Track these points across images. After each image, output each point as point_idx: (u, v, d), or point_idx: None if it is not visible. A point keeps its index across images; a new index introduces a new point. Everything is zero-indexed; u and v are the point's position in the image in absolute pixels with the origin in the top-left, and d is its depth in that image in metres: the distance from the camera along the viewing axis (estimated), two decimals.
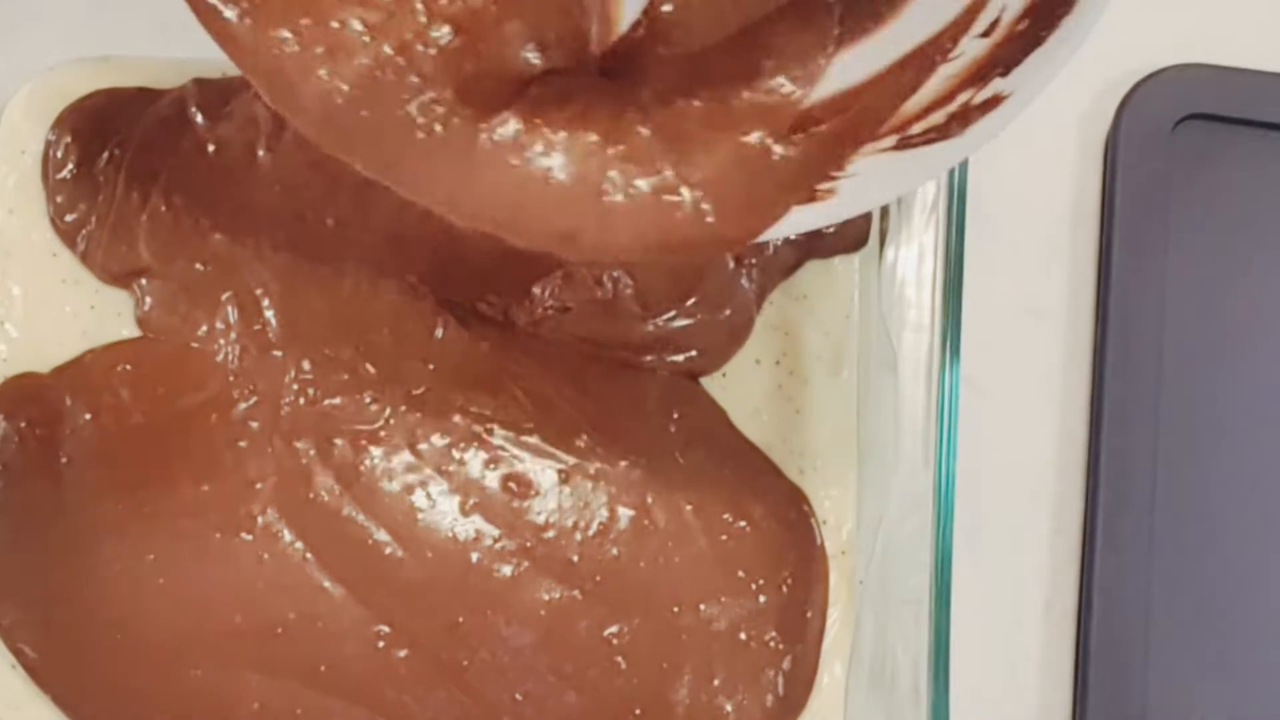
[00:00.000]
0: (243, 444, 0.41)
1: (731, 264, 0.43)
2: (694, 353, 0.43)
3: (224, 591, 0.41)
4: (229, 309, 0.42)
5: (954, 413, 0.38)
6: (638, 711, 0.41)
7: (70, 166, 0.43)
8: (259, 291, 0.42)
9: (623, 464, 0.42)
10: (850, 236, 0.43)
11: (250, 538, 0.41)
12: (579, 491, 0.42)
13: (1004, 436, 0.44)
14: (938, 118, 0.33)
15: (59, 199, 0.43)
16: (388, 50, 0.33)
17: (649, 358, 0.43)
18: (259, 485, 0.41)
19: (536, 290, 0.42)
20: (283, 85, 0.33)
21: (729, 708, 0.41)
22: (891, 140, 0.33)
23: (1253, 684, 0.42)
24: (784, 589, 0.41)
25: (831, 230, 0.43)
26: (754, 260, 0.43)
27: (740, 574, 0.41)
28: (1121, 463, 0.43)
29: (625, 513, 0.42)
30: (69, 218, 0.43)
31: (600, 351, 0.43)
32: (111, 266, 0.43)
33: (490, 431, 0.42)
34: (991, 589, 0.43)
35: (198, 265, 0.43)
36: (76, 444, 0.42)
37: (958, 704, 0.37)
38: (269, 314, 0.42)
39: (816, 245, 0.44)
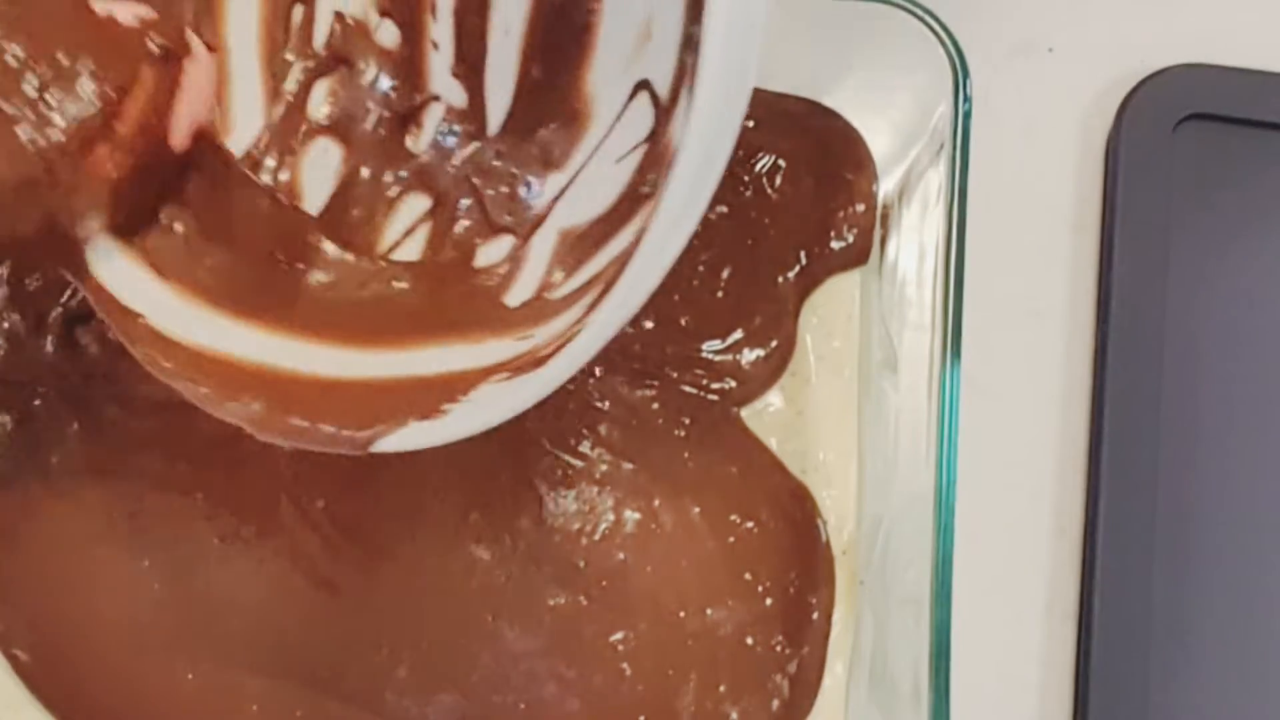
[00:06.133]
0: (241, 449, 0.41)
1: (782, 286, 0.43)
2: (733, 383, 0.43)
3: (221, 596, 0.41)
4: None
5: (954, 413, 0.38)
6: (642, 719, 0.41)
7: None
8: None
9: (629, 467, 0.42)
10: (857, 250, 0.43)
11: (249, 542, 0.41)
12: (584, 495, 0.42)
13: (1004, 436, 0.44)
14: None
15: None
16: None
17: (686, 386, 0.43)
18: (257, 490, 0.41)
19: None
20: None
21: (734, 715, 0.41)
22: (506, 372, 0.34)
23: (1253, 684, 0.42)
24: (790, 591, 0.41)
25: (840, 246, 0.43)
26: (791, 276, 0.43)
27: (747, 576, 0.41)
28: (1122, 463, 0.43)
29: (631, 516, 0.41)
30: None
31: (630, 369, 0.43)
32: None
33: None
34: (991, 589, 0.43)
35: None
36: (69, 446, 0.42)
37: (958, 704, 0.37)
38: None
39: (832, 263, 0.44)
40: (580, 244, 0.36)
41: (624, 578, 0.41)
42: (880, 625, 0.40)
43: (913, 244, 0.41)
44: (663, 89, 0.34)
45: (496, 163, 0.38)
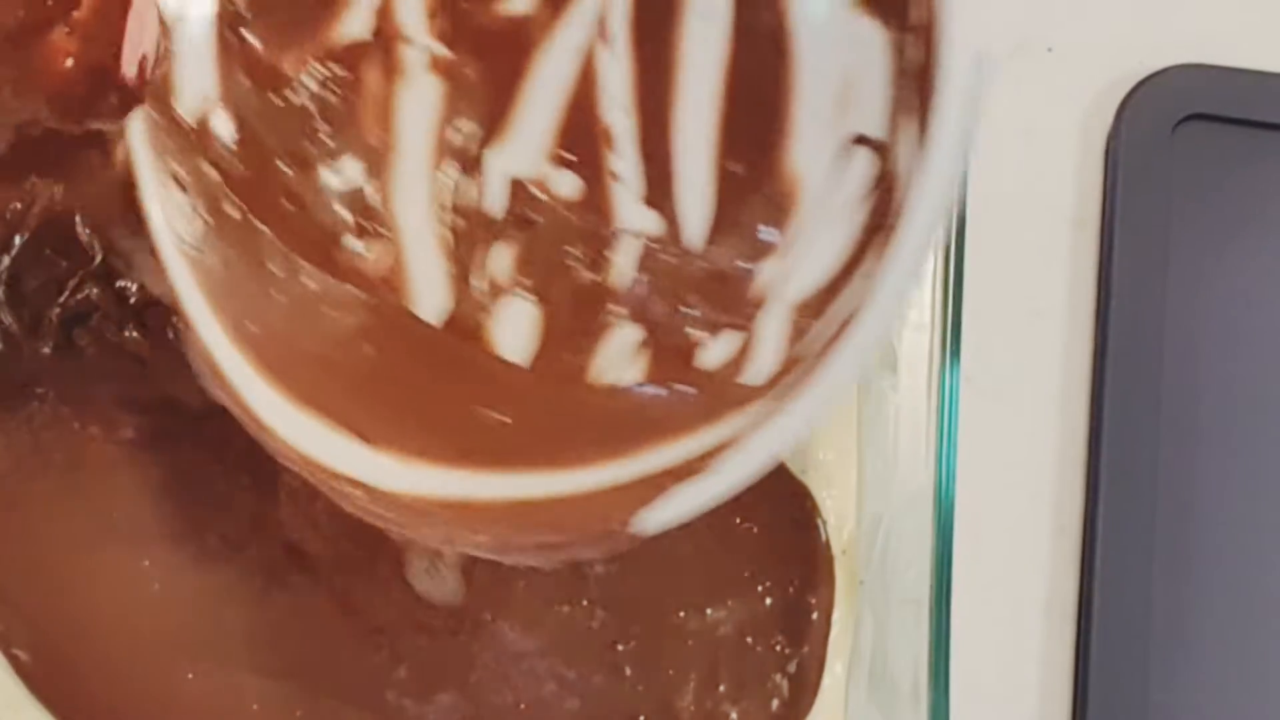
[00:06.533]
0: (240, 448, 0.41)
1: None
2: None
3: (221, 595, 0.41)
4: None
5: (954, 412, 0.38)
6: (641, 719, 0.40)
7: None
8: None
9: None
10: None
11: (249, 541, 0.41)
12: None
13: (1004, 436, 0.44)
14: None
15: None
16: None
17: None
18: (257, 489, 0.41)
19: None
20: None
21: (734, 715, 0.41)
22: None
23: (1253, 684, 0.42)
24: (790, 591, 0.41)
25: None
26: None
27: (747, 576, 0.41)
28: (1122, 462, 0.43)
29: None
30: None
31: None
32: None
33: None
34: (991, 589, 0.43)
35: None
36: (69, 447, 0.42)
37: (958, 704, 0.37)
38: None
39: None
40: (817, 304, 0.34)
41: (624, 577, 0.41)
42: (880, 625, 0.40)
43: None
44: (878, 132, 0.33)
45: (703, 265, 0.36)
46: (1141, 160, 0.44)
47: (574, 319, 0.36)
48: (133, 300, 0.40)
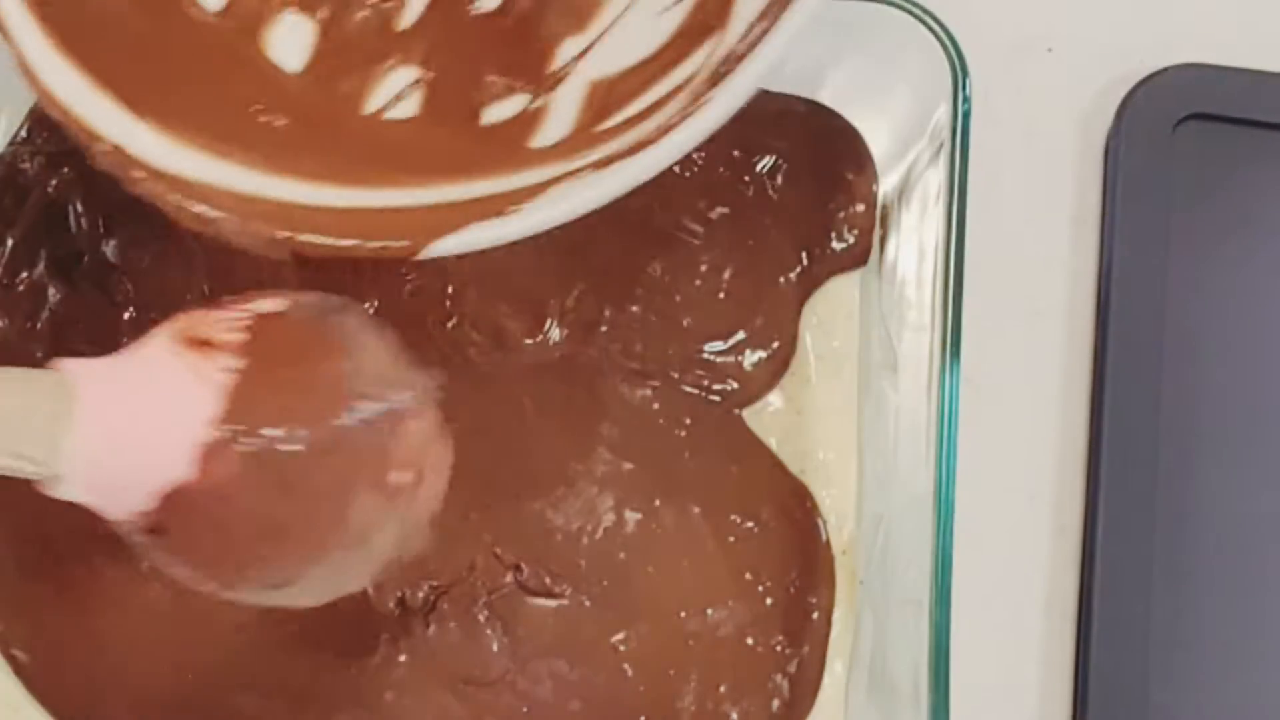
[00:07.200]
0: None
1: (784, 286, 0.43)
2: (735, 385, 0.43)
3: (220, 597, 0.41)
4: None
5: (954, 413, 0.38)
6: (642, 719, 0.41)
7: None
8: None
9: (629, 466, 0.42)
10: (857, 250, 0.44)
11: None
12: (585, 495, 0.42)
13: (1004, 436, 0.44)
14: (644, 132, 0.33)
15: None
16: None
17: (688, 387, 0.42)
18: None
19: (553, 301, 0.42)
20: None
21: (734, 715, 0.40)
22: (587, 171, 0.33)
23: (1253, 684, 0.42)
24: (790, 591, 0.41)
25: (842, 248, 0.43)
26: (792, 277, 0.43)
27: (747, 576, 0.41)
28: (1121, 462, 0.43)
29: (632, 516, 0.41)
30: None
31: (631, 370, 0.42)
32: None
33: None
34: (991, 589, 0.43)
35: None
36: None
37: (958, 704, 0.37)
38: None
39: (833, 264, 0.44)
40: (626, 84, 0.36)
41: (625, 578, 0.41)
42: (880, 625, 0.40)
43: (912, 244, 0.41)
44: None
45: (496, 27, 0.37)
46: (1141, 160, 0.44)
47: (351, 45, 0.38)
48: None
